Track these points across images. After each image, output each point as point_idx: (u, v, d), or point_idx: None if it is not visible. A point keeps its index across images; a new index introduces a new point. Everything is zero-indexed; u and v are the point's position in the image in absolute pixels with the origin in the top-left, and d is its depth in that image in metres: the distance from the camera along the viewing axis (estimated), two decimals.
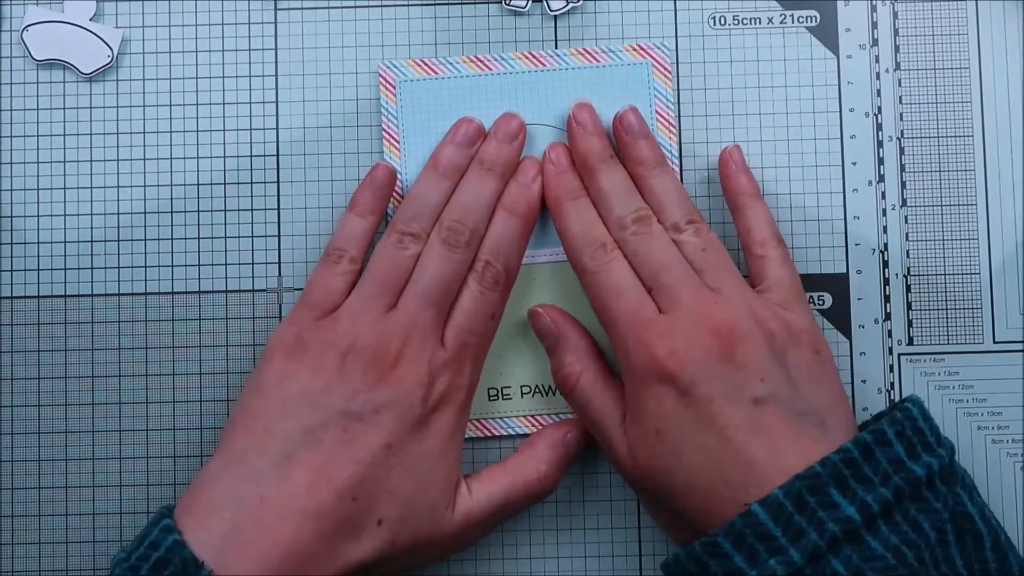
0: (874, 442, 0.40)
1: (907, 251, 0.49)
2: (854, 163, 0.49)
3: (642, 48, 0.49)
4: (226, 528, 0.40)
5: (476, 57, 0.49)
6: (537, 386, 0.48)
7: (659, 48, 0.49)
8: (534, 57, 0.49)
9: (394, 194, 0.48)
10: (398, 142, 0.49)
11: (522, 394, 0.48)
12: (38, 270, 0.49)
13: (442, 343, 0.44)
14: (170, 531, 0.40)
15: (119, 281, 0.49)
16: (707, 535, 0.40)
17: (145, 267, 0.49)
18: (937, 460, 0.41)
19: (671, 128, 0.49)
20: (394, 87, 0.49)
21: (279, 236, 0.49)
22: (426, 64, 0.49)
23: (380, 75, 0.49)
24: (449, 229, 0.45)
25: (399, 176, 0.48)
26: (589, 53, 0.49)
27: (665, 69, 0.49)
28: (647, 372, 0.42)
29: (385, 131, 0.49)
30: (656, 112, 0.48)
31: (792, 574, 0.38)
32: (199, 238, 0.49)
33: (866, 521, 0.39)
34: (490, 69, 0.49)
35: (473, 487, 0.45)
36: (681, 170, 0.49)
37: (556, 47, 0.49)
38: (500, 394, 0.48)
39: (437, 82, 0.49)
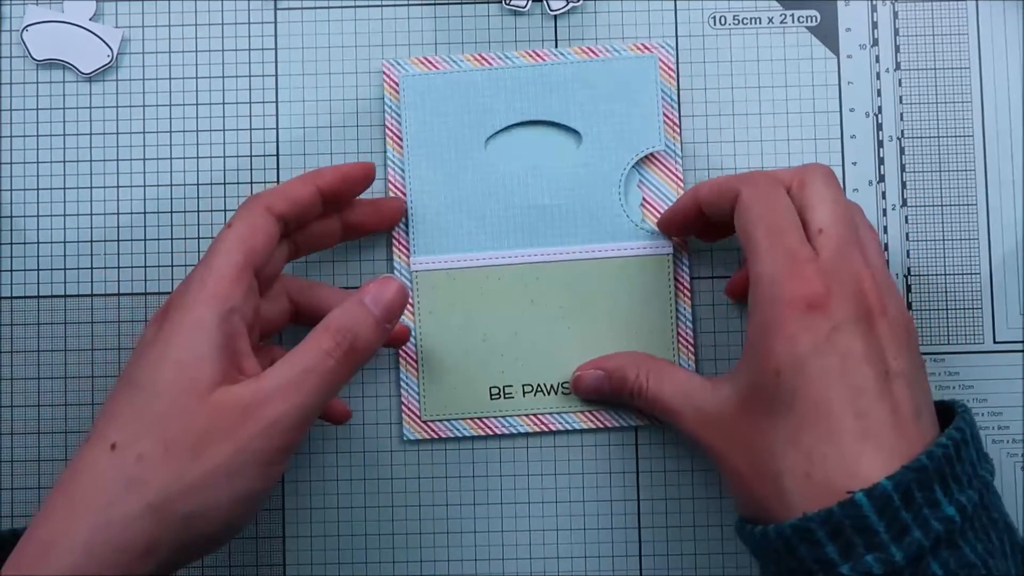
0: (960, 440, 0.38)
1: (907, 251, 0.49)
2: (854, 163, 0.49)
3: (645, 47, 0.49)
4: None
5: (479, 55, 0.49)
6: (539, 385, 0.48)
7: (661, 47, 0.49)
8: (537, 55, 0.49)
9: (400, 192, 0.48)
10: (401, 139, 0.49)
11: (524, 393, 0.48)
12: (38, 270, 0.49)
13: None
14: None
15: (119, 281, 0.49)
16: (801, 519, 0.37)
17: (145, 267, 0.49)
18: (992, 468, 0.40)
19: (674, 126, 0.49)
20: (397, 84, 0.49)
21: None
22: (429, 62, 0.49)
23: (384, 72, 0.49)
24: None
25: (402, 171, 0.48)
26: (592, 51, 0.49)
27: (668, 67, 0.49)
28: (796, 299, 0.39)
29: (388, 128, 0.49)
30: (659, 109, 0.48)
31: (889, 574, 0.36)
32: (199, 238, 0.49)
33: (963, 523, 0.37)
34: (492, 66, 0.49)
35: (246, 366, 0.40)
36: (682, 169, 0.49)
37: (556, 47, 0.49)
38: (502, 392, 0.48)
39: (440, 77, 0.49)
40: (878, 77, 0.49)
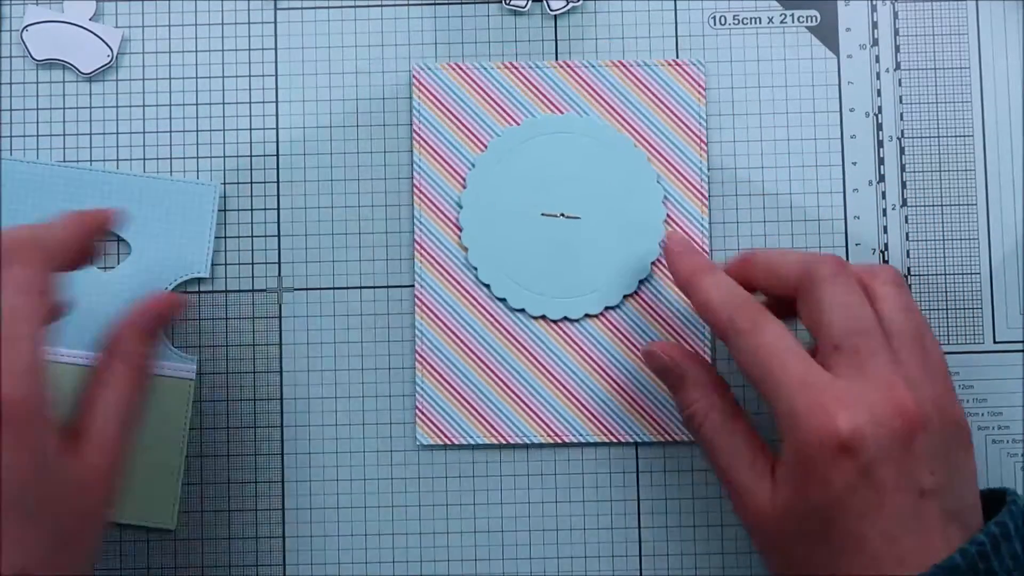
0: (1000, 535, 0.38)
1: (907, 251, 0.49)
2: (854, 163, 0.49)
3: (676, 64, 0.49)
4: None
5: (511, 63, 0.49)
6: None
7: (692, 64, 0.49)
8: (569, 67, 0.49)
9: (417, 196, 0.49)
10: (429, 146, 0.49)
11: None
12: None
13: None
14: None
15: None
16: None
17: None
18: None
19: (702, 145, 0.48)
20: (428, 89, 0.49)
21: (279, 236, 0.49)
22: (460, 68, 0.49)
23: (414, 78, 0.49)
24: None
25: (428, 176, 0.48)
26: (624, 66, 0.49)
27: (700, 87, 0.49)
28: (821, 440, 0.38)
29: (416, 133, 0.49)
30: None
31: None
32: None
33: None
34: (525, 77, 0.49)
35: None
36: (708, 184, 0.49)
37: (556, 47, 0.49)
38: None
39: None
40: (878, 77, 0.49)
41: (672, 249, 0.45)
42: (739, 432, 0.42)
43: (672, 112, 0.49)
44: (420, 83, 0.49)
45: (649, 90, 0.49)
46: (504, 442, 0.48)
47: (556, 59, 0.49)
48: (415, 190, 0.49)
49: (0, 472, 0.35)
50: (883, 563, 0.38)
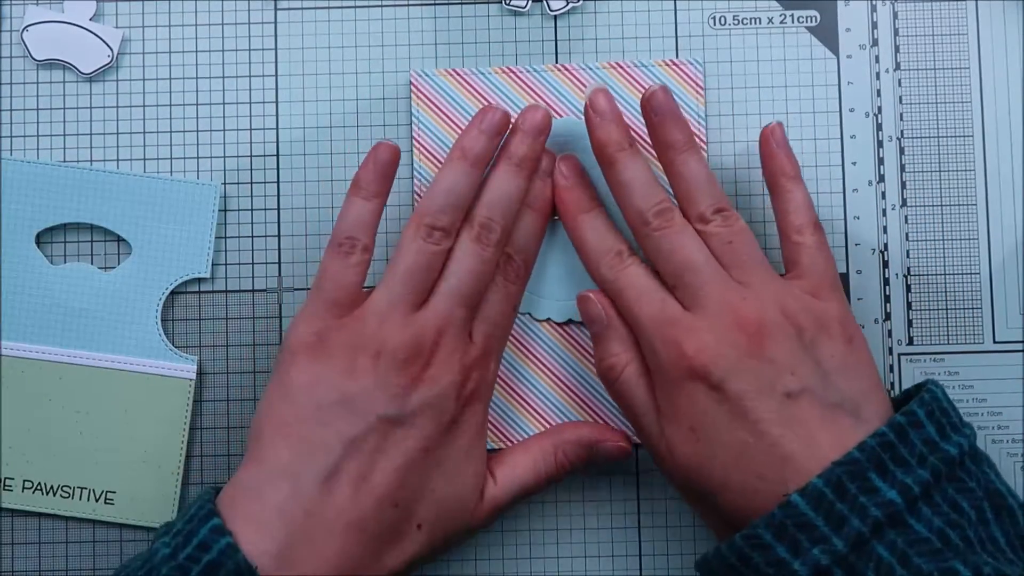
0: (908, 424, 0.40)
1: (907, 251, 0.49)
2: (854, 163, 0.49)
3: (674, 63, 0.49)
4: (274, 546, 0.40)
5: (508, 68, 0.49)
6: (40, 484, 0.48)
7: (690, 64, 0.49)
8: (566, 70, 0.49)
9: (417, 200, 0.48)
10: (429, 152, 0.49)
11: (23, 488, 0.48)
12: None
13: (471, 339, 0.44)
14: (221, 533, 0.40)
15: None
16: (747, 527, 0.39)
17: None
18: (966, 439, 0.41)
19: (702, 144, 0.48)
20: (426, 95, 0.49)
21: (279, 236, 0.49)
22: (458, 74, 0.49)
23: (412, 84, 0.49)
24: (482, 227, 0.44)
25: (429, 182, 0.48)
26: (621, 67, 0.49)
27: (697, 86, 0.49)
28: (677, 370, 0.42)
29: (416, 140, 0.49)
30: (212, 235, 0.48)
31: (836, 562, 0.38)
32: None
33: (908, 504, 0.39)
34: (522, 81, 0.49)
35: (498, 475, 0.45)
36: None
37: (556, 47, 0.49)
38: (2, 484, 0.49)
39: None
40: (878, 77, 0.49)
41: (560, 183, 0.47)
42: (649, 387, 0.44)
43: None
44: (418, 89, 0.49)
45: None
46: (505, 443, 0.48)
47: (556, 60, 0.49)
48: (415, 196, 0.49)
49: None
50: (769, 466, 0.40)
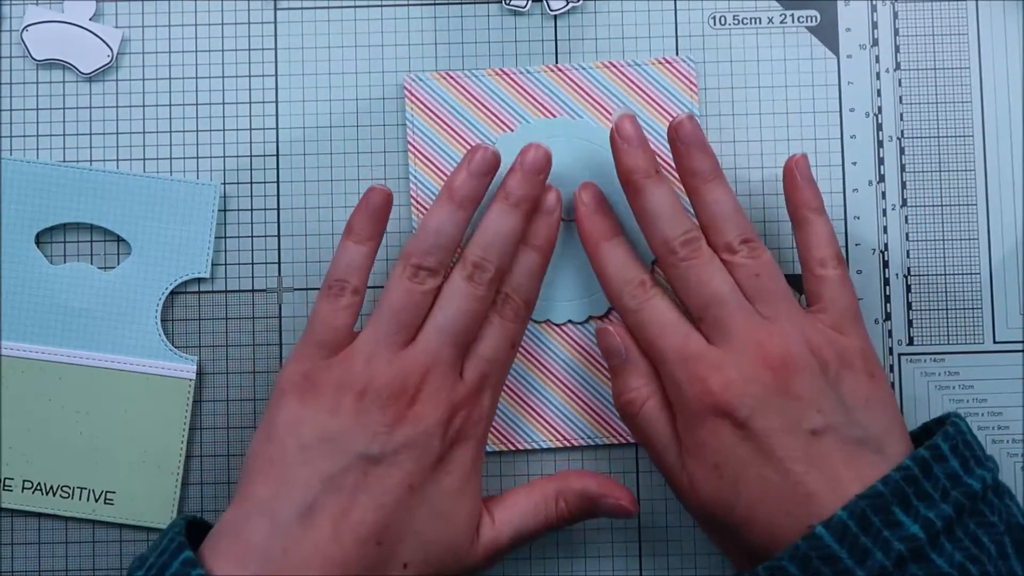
0: (932, 458, 0.40)
1: (907, 251, 0.49)
2: (854, 163, 0.49)
3: (667, 62, 0.49)
4: None
5: (502, 70, 0.49)
6: (40, 484, 0.48)
7: (684, 61, 0.49)
8: (560, 71, 0.49)
9: (414, 206, 0.48)
10: (425, 156, 0.49)
11: (23, 488, 0.48)
12: None
13: (461, 376, 0.44)
14: (193, 565, 0.39)
15: None
16: (771, 559, 0.39)
17: None
18: (989, 473, 0.41)
19: None
20: (420, 100, 0.49)
21: (279, 236, 0.49)
22: (452, 77, 0.49)
23: (406, 88, 0.49)
24: (475, 266, 0.44)
25: (424, 191, 0.48)
26: (615, 66, 0.49)
27: (692, 83, 0.49)
28: (701, 406, 0.42)
29: (411, 144, 0.49)
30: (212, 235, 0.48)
31: None
32: None
33: (930, 538, 0.39)
34: (516, 83, 0.49)
35: (496, 516, 0.44)
36: None
37: (556, 47, 0.49)
38: (1, 484, 0.49)
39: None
40: (878, 77, 0.49)
41: (580, 209, 0.46)
42: (670, 421, 0.44)
43: (665, 110, 0.49)
44: (412, 94, 0.49)
45: (641, 90, 0.49)
46: (511, 448, 0.48)
47: (556, 60, 0.49)
48: (412, 201, 0.49)
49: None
50: (793, 503, 0.40)
